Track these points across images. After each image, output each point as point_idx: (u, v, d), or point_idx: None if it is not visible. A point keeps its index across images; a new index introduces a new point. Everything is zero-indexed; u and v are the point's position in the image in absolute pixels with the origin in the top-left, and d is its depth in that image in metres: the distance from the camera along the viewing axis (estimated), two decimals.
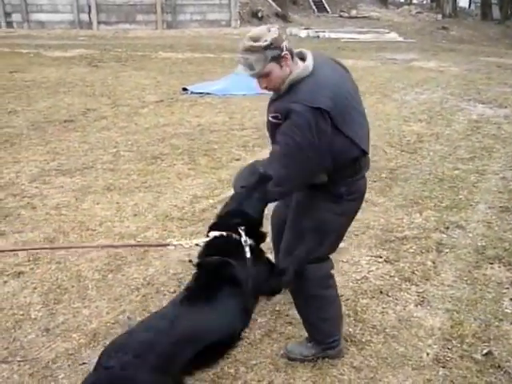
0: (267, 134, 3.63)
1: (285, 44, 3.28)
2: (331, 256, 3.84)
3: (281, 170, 3.35)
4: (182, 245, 3.60)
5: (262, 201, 3.48)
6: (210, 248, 3.45)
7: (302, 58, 3.45)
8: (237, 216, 3.43)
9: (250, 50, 3.23)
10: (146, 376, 2.70)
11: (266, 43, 3.20)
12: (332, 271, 3.87)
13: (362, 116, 3.60)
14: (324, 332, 3.89)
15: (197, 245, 3.59)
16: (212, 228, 3.51)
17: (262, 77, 3.33)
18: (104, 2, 28.93)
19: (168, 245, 3.58)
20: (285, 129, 3.29)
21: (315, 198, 3.61)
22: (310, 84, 3.31)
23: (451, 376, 3.73)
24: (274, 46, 3.23)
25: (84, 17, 28.83)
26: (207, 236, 3.51)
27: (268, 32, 3.23)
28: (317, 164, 3.38)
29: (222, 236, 3.41)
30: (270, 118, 3.40)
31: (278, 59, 3.27)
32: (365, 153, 3.54)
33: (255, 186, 3.40)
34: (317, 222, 3.61)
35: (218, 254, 3.35)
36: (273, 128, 3.43)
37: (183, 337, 2.90)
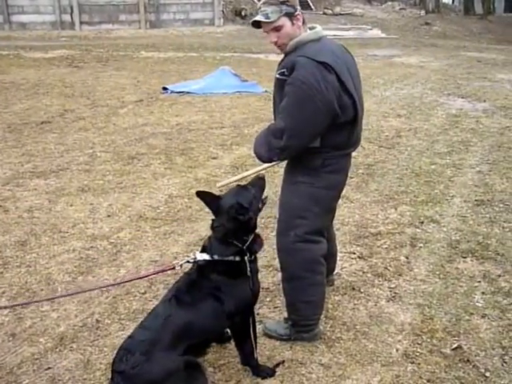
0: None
1: (299, 8, 3.60)
2: None
3: (287, 120, 3.50)
4: (188, 261, 3.55)
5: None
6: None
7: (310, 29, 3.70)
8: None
9: (268, 2, 3.51)
10: (156, 366, 3.02)
11: None
12: (322, 259, 3.93)
13: (360, 96, 3.74)
14: (301, 314, 3.96)
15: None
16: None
17: (274, 30, 3.55)
18: (86, 2, 28.76)
19: (174, 268, 3.56)
20: (292, 80, 3.47)
21: (294, 173, 3.78)
22: (316, 45, 3.56)
23: (419, 371, 3.71)
24: (290, 3, 3.52)
25: (66, 17, 28.64)
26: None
27: None
28: (324, 115, 3.49)
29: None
30: (278, 75, 3.59)
31: (291, 16, 3.54)
32: (356, 118, 3.66)
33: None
34: (297, 196, 3.74)
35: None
36: (280, 85, 3.59)
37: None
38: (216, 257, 3.42)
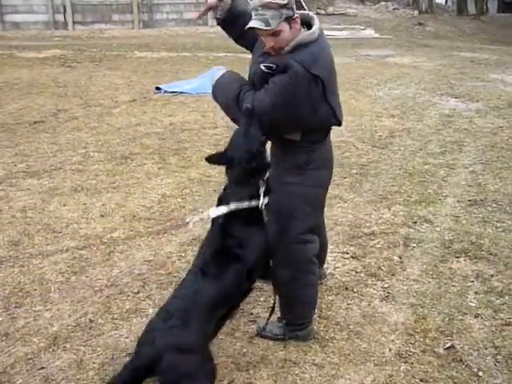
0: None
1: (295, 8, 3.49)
2: None
3: (266, 99, 3.44)
4: (202, 219, 3.59)
5: (260, 131, 3.52)
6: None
7: (307, 23, 3.63)
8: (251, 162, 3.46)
9: (267, 6, 3.36)
10: (190, 333, 3.14)
11: (283, 2, 3.36)
12: (315, 258, 3.95)
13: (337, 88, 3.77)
14: (296, 313, 4.00)
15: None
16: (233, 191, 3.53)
17: (273, 35, 3.43)
18: (79, 2, 28.63)
19: (187, 224, 3.61)
20: (279, 78, 3.41)
21: (282, 173, 3.77)
22: (315, 49, 3.49)
23: (413, 371, 3.73)
24: (289, 6, 3.40)
25: (59, 17, 28.49)
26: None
27: None
28: (298, 115, 3.52)
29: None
30: (263, 67, 3.48)
31: (289, 20, 3.43)
32: (340, 123, 3.75)
33: (248, 122, 3.46)
34: (287, 198, 3.75)
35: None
36: (261, 77, 3.52)
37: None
38: (233, 205, 3.43)
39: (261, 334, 4.07)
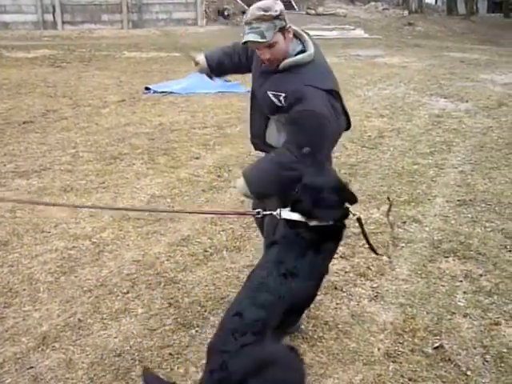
0: (249, 104, 3.96)
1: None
2: None
3: (304, 137, 3.41)
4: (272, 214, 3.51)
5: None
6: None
7: (298, 38, 3.65)
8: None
9: (261, 18, 3.38)
10: (266, 347, 2.91)
11: (276, 13, 3.38)
12: None
13: None
14: None
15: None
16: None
17: (268, 47, 3.45)
18: (68, 2, 28.53)
19: (258, 213, 3.60)
20: (304, 111, 3.40)
21: None
22: (316, 69, 3.55)
23: (401, 370, 3.74)
24: (281, 16, 3.42)
25: (48, 17, 28.39)
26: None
27: (275, 3, 3.43)
28: (330, 142, 3.64)
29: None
30: (271, 95, 3.52)
31: (283, 30, 3.46)
32: (348, 128, 3.89)
33: (315, 163, 3.40)
34: None
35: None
36: (269, 102, 3.56)
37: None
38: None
39: None
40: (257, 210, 3.63)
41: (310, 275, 3.26)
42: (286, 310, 3.08)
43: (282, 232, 3.43)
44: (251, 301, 3.05)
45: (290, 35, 3.53)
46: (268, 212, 3.53)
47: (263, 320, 2.94)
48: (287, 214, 3.39)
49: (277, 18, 3.39)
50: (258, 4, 3.43)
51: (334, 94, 3.51)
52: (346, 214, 3.44)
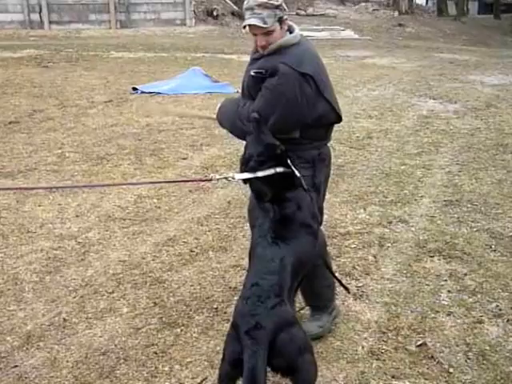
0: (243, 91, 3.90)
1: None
2: None
3: (263, 105, 3.56)
4: (226, 178, 3.58)
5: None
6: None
7: (289, 30, 3.74)
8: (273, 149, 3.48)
9: (263, 5, 3.50)
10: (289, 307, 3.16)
11: (278, 3, 3.54)
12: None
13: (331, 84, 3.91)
14: (327, 297, 4.17)
15: (245, 181, 3.52)
16: (255, 166, 3.45)
17: (265, 33, 3.56)
18: (55, 1, 28.41)
19: (211, 180, 3.64)
20: (270, 86, 3.55)
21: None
22: (298, 50, 3.65)
23: (384, 368, 3.76)
24: (281, 7, 3.58)
25: (35, 17, 28.26)
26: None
27: None
28: (296, 114, 3.61)
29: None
30: (253, 73, 3.65)
31: (280, 20, 3.59)
32: (340, 119, 3.88)
33: (258, 129, 3.48)
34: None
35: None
36: (253, 83, 3.68)
37: None
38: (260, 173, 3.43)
39: (311, 337, 4.02)
40: (211, 175, 3.72)
41: (297, 230, 3.41)
42: (294, 268, 3.27)
43: (257, 208, 3.58)
44: (260, 272, 3.24)
45: (286, 27, 3.65)
46: (222, 176, 3.62)
47: (279, 283, 3.14)
48: (239, 175, 3.50)
49: (278, 7, 3.53)
50: None
51: (308, 79, 3.56)
52: (283, 161, 3.49)
